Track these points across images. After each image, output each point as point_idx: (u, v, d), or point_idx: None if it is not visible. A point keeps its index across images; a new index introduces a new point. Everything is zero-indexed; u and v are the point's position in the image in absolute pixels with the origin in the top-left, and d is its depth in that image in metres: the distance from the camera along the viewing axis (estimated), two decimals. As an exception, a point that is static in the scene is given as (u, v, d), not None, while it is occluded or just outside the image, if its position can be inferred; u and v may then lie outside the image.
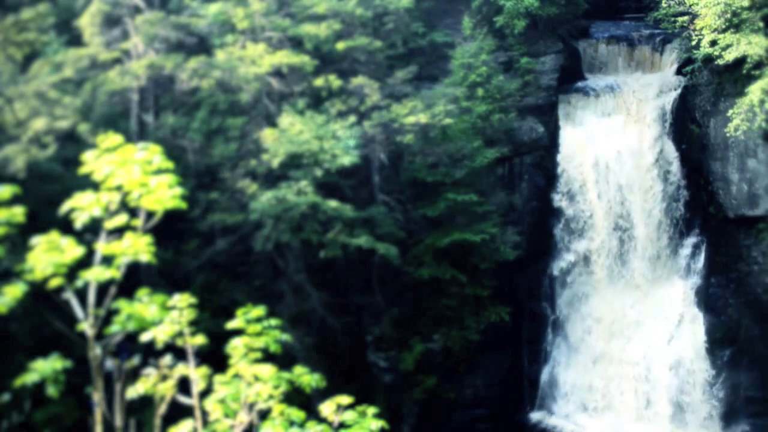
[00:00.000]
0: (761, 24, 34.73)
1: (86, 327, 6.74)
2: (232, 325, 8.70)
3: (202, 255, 33.15)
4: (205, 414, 8.07)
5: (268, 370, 8.44)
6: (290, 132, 32.57)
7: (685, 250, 38.99)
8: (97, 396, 6.87)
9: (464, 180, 36.20)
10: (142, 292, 7.22)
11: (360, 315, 37.04)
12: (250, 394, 8.27)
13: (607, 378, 39.18)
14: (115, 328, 6.82)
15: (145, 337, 7.39)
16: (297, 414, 8.48)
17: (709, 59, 36.22)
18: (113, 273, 6.76)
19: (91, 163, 7.04)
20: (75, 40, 34.04)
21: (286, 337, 8.82)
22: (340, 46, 35.57)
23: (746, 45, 34.26)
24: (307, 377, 8.78)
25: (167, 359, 7.97)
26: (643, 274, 39.30)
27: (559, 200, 39.62)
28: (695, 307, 38.16)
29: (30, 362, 6.55)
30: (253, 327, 8.70)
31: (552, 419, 39.41)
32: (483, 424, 38.18)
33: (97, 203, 6.83)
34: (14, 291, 6.40)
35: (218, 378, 8.37)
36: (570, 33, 41.78)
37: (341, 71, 35.52)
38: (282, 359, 8.84)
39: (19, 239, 7.09)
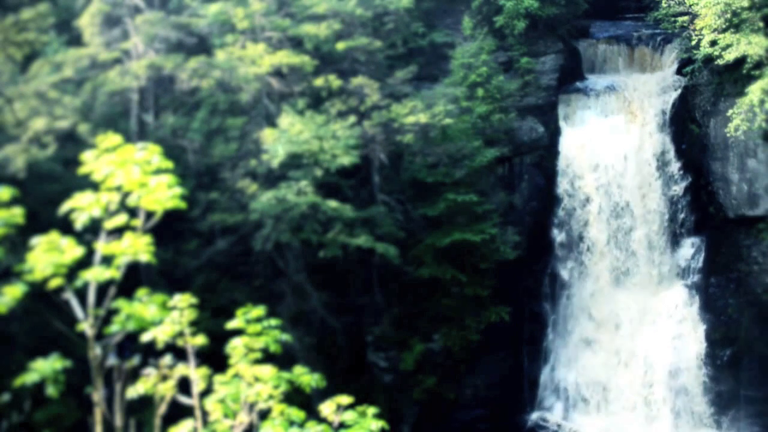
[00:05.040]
0: (761, 24, 34.72)
1: (86, 327, 6.74)
2: (232, 325, 8.70)
3: (202, 255, 33.16)
4: (205, 414, 8.07)
5: (268, 370, 8.44)
6: (290, 132, 32.58)
7: (685, 250, 38.98)
8: (97, 396, 6.87)
9: (464, 180, 36.19)
10: (142, 292, 7.22)
11: (360, 315, 37.04)
12: (250, 394, 8.27)
13: (607, 378, 39.18)
14: (115, 328, 6.82)
15: (145, 337, 7.39)
16: (297, 414, 8.49)
17: (709, 59, 36.22)
18: (113, 273, 6.76)
19: (91, 163, 7.04)
20: (75, 40, 34.04)
21: (286, 337, 8.83)
22: (340, 46, 35.57)
23: (746, 45, 34.25)
24: (307, 377, 8.78)
25: (167, 359, 7.97)
26: (643, 273, 39.29)
27: (559, 200, 39.63)
28: (695, 307, 38.16)
29: (30, 362, 6.55)
30: (253, 327, 8.70)
31: (552, 419, 39.42)
32: (483, 424, 38.19)
33: (97, 203, 6.84)
34: (14, 291, 6.40)
35: (218, 378, 8.37)
36: (570, 33, 41.78)
37: (341, 71, 35.52)
38: (282, 359, 8.84)
39: (19, 239, 7.10)
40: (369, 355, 37.24)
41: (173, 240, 31.81)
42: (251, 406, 8.30)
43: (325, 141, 32.49)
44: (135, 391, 7.69)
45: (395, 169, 36.20)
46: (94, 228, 6.90)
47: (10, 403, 7.84)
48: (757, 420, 36.18)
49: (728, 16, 34.88)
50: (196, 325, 8.12)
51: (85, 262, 6.75)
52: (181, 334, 7.92)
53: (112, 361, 7.05)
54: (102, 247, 6.86)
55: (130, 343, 7.67)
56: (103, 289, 6.87)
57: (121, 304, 6.90)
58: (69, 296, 6.66)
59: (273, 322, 8.80)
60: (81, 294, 6.73)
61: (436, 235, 36.12)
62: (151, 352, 8.01)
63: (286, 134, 32.52)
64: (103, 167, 6.98)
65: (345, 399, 8.87)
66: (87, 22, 33.90)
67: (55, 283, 6.59)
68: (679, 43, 39.19)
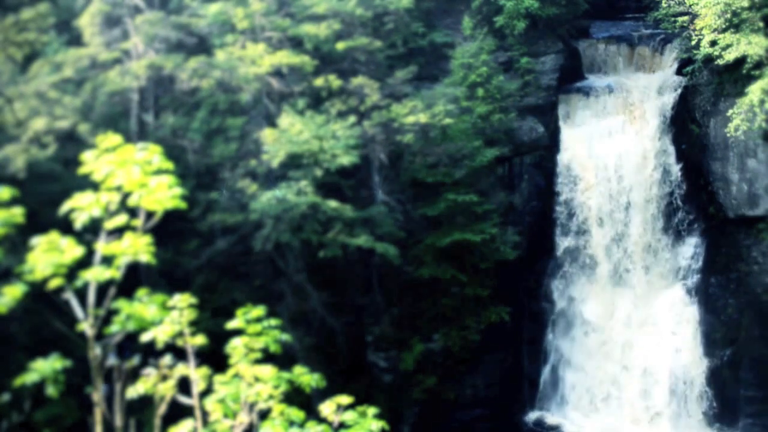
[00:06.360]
0: (761, 24, 34.72)
1: (86, 327, 6.74)
2: (232, 325, 8.69)
3: (202, 255, 33.16)
4: (205, 414, 8.07)
5: (268, 370, 8.44)
6: (290, 132, 32.58)
7: (685, 250, 38.98)
8: (97, 396, 6.87)
9: (464, 180, 36.19)
10: (142, 292, 7.22)
11: (360, 315, 37.04)
12: (250, 394, 8.27)
13: (607, 378, 39.19)
14: (115, 328, 6.82)
15: (145, 337, 7.39)
16: (297, 414, 8.48)
17: (709, 59, 36.21)
18: (113, 273, 6.76)
19: (91, 163, 7.04)
20: (75, 40, 34.05)
21: (286, 337, 8.82)
22: (340, 46, 35.57)
23: (746, 45, 34.25)
24: (307, 377, 8.78)
25: (167, 359, 7.97)
26: (642, 273, 39.30)
27: (558, 200, 39.63)
28: (695, 307, 38.16)
29: (30, 362, 6.55)
30: (253, 327, 8.70)
31: (552, 419, 39.43)
32: (483, 424, 38.19)
33: (97, 203, 6.83)
34: (14, 291, 6.40)
35: (218, 378, 8.37)
36: (570, 33, 41.79)
37: (341, 71, 35.52)
38: (282, 359, 8.84)
39: (19, 240, 7.10)
40: (369, 355, 37.24)
41: (173, 240, 31.81)
42: (251, 406, 8.30)
43: (325, 141, 32.49)
44: (135, 391, 7.69)
45: (395, 169, 36.19)
46: (94, 228, 6.89)
47: (10, 403, 7.84)
48: (757, 420, 36.17)
49: (728, 16, 34.88)
50: (196, 325, 8.12)
51: (85, 262, 6.74)
52: (180, 334, 7.92)
53: (112, 361, 7.05)
54: (102, 247, 6.86)
55: (130, 343, 7.67)
56: (103, 289, 6.87)
57: (121, 304, 6.90)
58: (69, 296, 6.65)
59: (273, 322, 8.80)
60: (81, 294, 6.73)
61: (436, 235, 36.12)
62: (151, 352, 8.01)
63: (286, 134, 32.52)
64: (103, 167, 6.97)
65: (345, 399, 8.86)
66: (87, 22, 33.90)
67: (55, 283, 6.58)
68: (679, 43, 39.18)
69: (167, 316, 7.55)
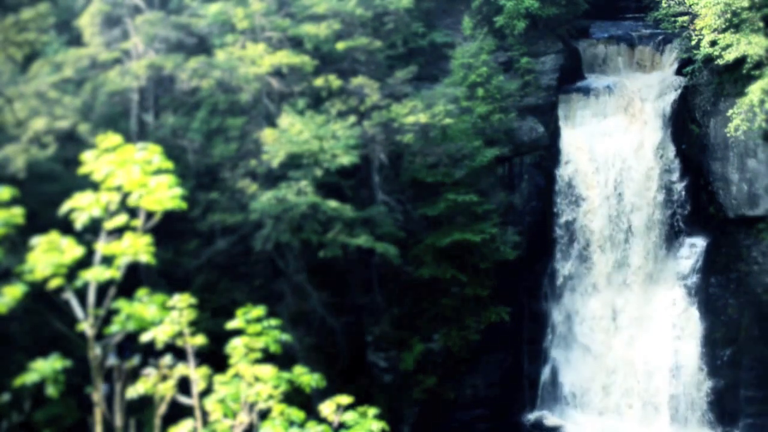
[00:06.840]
0: (761, 24, 34.73)
1: (86, 327, 6.74)
2: (232, 325, 8.69)
3: (202, 255, 33.16)
4: (205, 414, 8.07)
5: (268, 370, 8.44)
6: (290, 132, 32.59)
7: (685, 250, 38.98)
8: (97, 396, 6.87)
9: (464, 180, 36.19)
10: (142, 292, 7.22)
11: (360, 315, 37.04)
12: (250, 394, 8.27)
13: (607, 378, 39.18)
14: (115, 328, 6.82)
15: (145, 337, 7.38)
16: (297, 414, 8.48)
17: (709, 59, 36.22)
18: (113, 273, 6.76)
19: (91, 163, 7.04)
20: (75, 40, 34.06)
21: (286, 337, 8.82)
22: (340, 46, 35.57)
23: (746, 45, 34.26)
24: (307, 377, 8.78)
25: (167, 359, 7.97)
26: (642, 273, 39.29)
27: (558, 200, 39.63)
28: (695, 307, 38.16)
29: (30, 362, 6.55)
30: (253, 327, 8.69)
31: (552, 419, 39.43)
32: (483, 424, 38.19)
33: (97, 203, 6.83)
34: (14, 291, 6.40)
35: (218, 378, 8.37)
36: (570, 33, 41.78)
37: (341, 71, 35.52)
38: (282, 359, 8.84)
39: (19, 240, 7.10)
40: (369, 355, 37.24)
41: (173, 240, 31.81)
42: (251, 406, 8.30)
43: (325, 141, 32.49)
44: (135, 391, 7.69)
45: (395, 169, 36.19)
46: (94, 228, 6.89)
47: (10, 403, 7.85)
48: (757, 420, 36.17)
49: (728, 16, 34.88)
50: (196, 325, 8.12)
51: (85, 262, 6.74)
52: (180, 334, 7.92)
53: (112, 361, 7.04)
54: (102, 247, 6.86)
55: (130, 343, 7.67)
56: (103, 289, 6.87)
57: (121, 304, 6.90)
58: (69, 296, 6.65)
59: (273, 322, 8.80)
60: (81, 294, 6.73)
61: (436, 235, 36.11)
62: (151, 352, 8.01)
63: (286, 134, 32.52)
64: (103, 167, 6.97)
65: (345, 399, 8.87)
66: (87, 22, 33.91)
67: (55, 283, 6.58)
68: (679, 43, 39.18)
69: (167, 316, 7.55)
